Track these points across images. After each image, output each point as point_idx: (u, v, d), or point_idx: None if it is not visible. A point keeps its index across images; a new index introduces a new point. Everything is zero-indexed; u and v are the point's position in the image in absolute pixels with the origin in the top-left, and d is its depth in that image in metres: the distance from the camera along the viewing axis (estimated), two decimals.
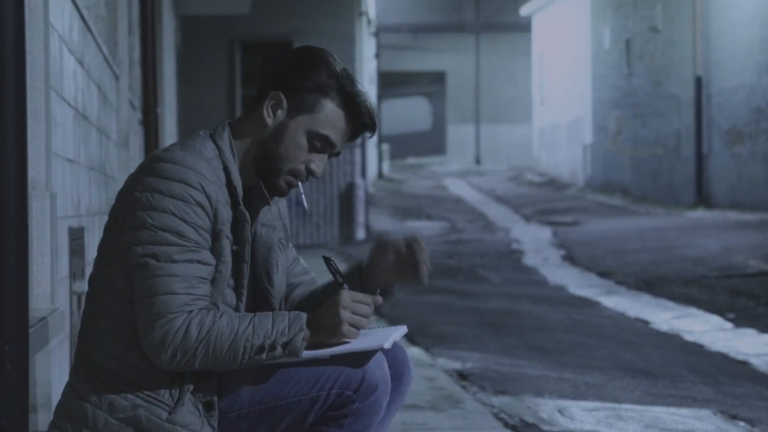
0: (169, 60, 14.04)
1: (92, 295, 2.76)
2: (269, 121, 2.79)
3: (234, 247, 2.73)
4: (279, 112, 2.79)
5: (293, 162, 2.78)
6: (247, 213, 2.74)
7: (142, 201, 2.64)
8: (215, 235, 2.69)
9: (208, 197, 2.66)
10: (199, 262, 2.65)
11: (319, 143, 2.79)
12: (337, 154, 2.86)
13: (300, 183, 2.82)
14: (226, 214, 2.71)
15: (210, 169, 2.69)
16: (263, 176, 2.79)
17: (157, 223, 2.62)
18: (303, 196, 2.86)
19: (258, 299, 2.88)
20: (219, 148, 2.75)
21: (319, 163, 2.80)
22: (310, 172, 2.80)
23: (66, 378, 3.98)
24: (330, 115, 2.78)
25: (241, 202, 2.74)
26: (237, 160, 2.78)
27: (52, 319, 3.46)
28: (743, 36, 19.54)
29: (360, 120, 2.82)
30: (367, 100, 2.82)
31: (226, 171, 2.73)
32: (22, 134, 2.67)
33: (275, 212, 2.94)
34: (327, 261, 2.85)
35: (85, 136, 4.93)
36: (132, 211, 2.65)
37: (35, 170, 3.56)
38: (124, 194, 2.70)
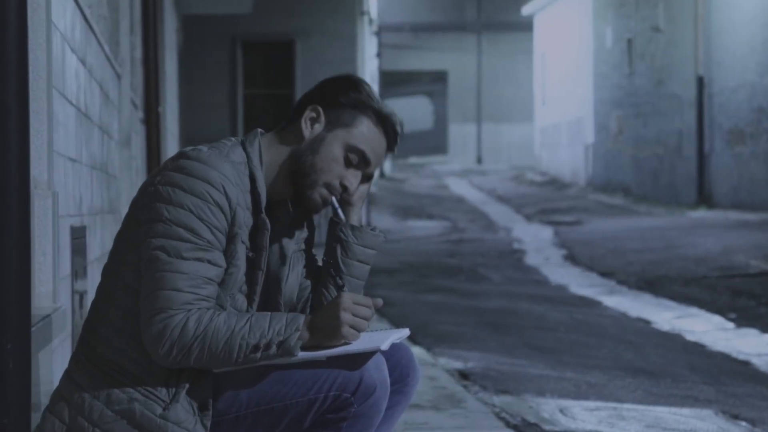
0: (171, 59, 14.04)
1: (103, 285, 2.78)
2: (306, 133, 2.82)
3: (250, 254, 2.74)
4: (317, 125, 2.82)
5: (328, 174, 2.80)
6: (267, 221, 2.74)
7: (162, 194, 2.65)
8: (230, 238, 2.70)
9: (228, 199, 2.67)
10: (209, 261, 2.65)
11: (356, 158, 2.82)
12: (370, 175, 2.89)
13: (334, 198, 2.83)
14: (245, 219, 2.72)
15: (235, 173, 2.70)
16: (298, 189, 2.81)
17: (173, 217, 2.63)
18: (339, 209, 2.87)
19: (268, 307, 2.89)
20: (248, 155, 2.77)
21: (352, 179, 2.83)
22: (344, 188, 2.82)
23: None
24: (366, 131, 2.82)
25: (263, 210, 2.75)
26: (268, 170, 2.79)
27: (54, 318, 3.46)
28: (745, 36, 19.54)
29: (390, 138, 2.88)
30: (399, 120, 2.89)
31: (252, 178, 2.74)
32: (25, 133, 2.67)
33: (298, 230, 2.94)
34: (326, 264, 2.84)
35: (87, 135, 4.94)
36: (150, 204, 2.67)
37: (37, 169, 3.56)
38: (146, 187, 2.72)
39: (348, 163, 2.82)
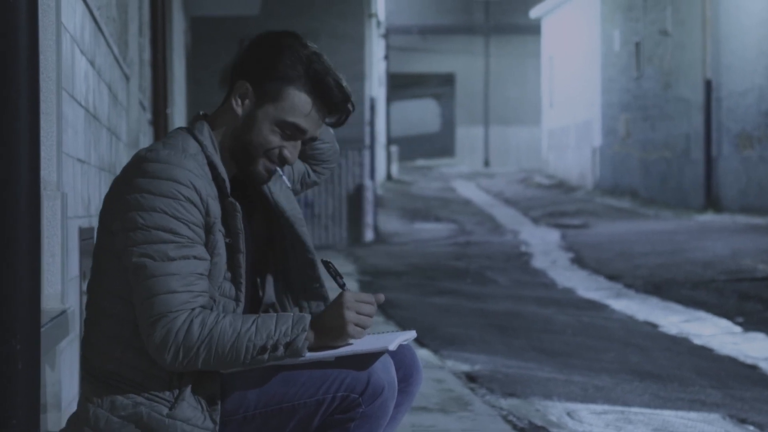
0: (179, 61, 14.05)
1: (91, 301, 2.78)
2: (239, 110, 2.81)
3: (227, 240, 2.73)
4: (246, 102, 2.81)
5: (265, 147, 2.79)
6: (237, 204, 2.74)
7: (131, 202, 2.64)
8: (208, 229, 2.69)
9: (198, 193, 2.67)
10: (195, 257, 2.65)
11: (289, 131, 2.79)
12: (313, 139, 2.85)
13: (278, 168, 2.83)
14: (216, 208, 2.71)
15: (197, 165, 2.70)
16: (241, 166, 2.80)
17: (149, 222, 2.63)
18: (283, 177, 2.87)
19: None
20: (201, 143, 2.76)
21: (292, 149, 2.81)
22: (282, 159, 2.80)
23: (75, 378, 3.99)
24: (296, 102, 2.78)
25: (229, 194, 2.74)
26: (220, 151, 2.79)
27: (63, 319, 3.47)
28: (753, 39, 19.51)
29: (331, 98, 2.80)
30: (335, 77, 2.79)
31: (211, 165, 2.74)
32: (35, 134, 2.67)
33: (285, 187, 2.96)
34: (326, 264, 2.85)
35: (96, 137, 4.94)
36: (123, 214, 2.65)
37: (46, 170, 3.56)
38: (113, 198, 2.71)
39: (284, 136, 2.79)
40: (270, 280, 2.93)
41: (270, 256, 2.92)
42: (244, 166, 2.80)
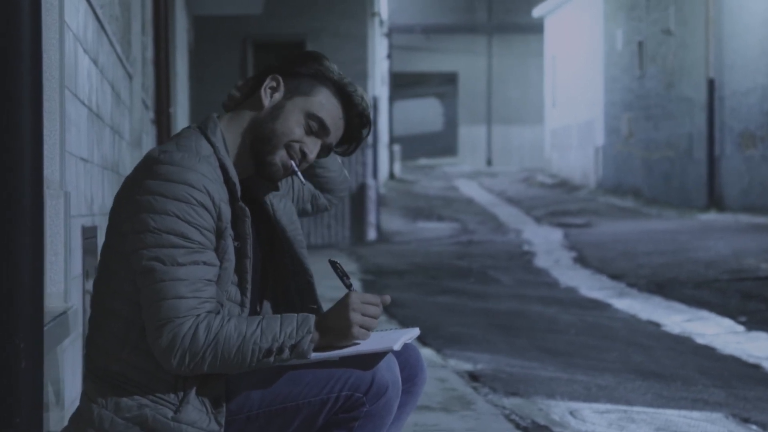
0: (182, 59, 14.05)
1: (98, 299, 2.77)
2: (266, 102, 2.82)
3: (236, 244, 2.73)
4: (276, 94, 2.83)
5: (288, 137, 2.80)
6: (246, 209, 2.74)
7: (143, 204, 2.63)
8: (219, 234, 2.69)
9: (211, 197, 2.66)
10: (204, 263, 2.64)
11: (315, 125, 2.82)
12: (329, 147, 2.87)
13: (293, 163, 2.82)
14: (227, 212, 2.71)
15: (210, 169, 2.69)
16: (259, 156, 2.80)
17: (161, 226, 2.61)
18: (299, 173, 2.86)
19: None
20: (213, 145, 2.75)
21: (312, 146, 2.83)
22: (302, 154, 2.82)
23: (78, 377, 4.00)
24: (325, 100, 2.83)
25: (239, 198, 2.74)
26: (232, 152, 2.80)
27: (66, 317, 3.47)
28: (756, 38, 19.51)
29: (355, 108, 2.86)
30: (363, 96, 2.88)
31: (223, 168, 2.74)
32: (38, 133, 2.67)
33: (289, 206, 2.96)
34: (333, 264, 2.85)
35: (99, 136, 4.94)
36: (134, 215, 2.64)
37: (49, 169, 3.56)
38: (124, 198, 2.70)
39: (308, 131, 2.82)
40: (269, 298, 2.93)
41: (270, 276, 2.93)
42: (263, 157, 2.80)
